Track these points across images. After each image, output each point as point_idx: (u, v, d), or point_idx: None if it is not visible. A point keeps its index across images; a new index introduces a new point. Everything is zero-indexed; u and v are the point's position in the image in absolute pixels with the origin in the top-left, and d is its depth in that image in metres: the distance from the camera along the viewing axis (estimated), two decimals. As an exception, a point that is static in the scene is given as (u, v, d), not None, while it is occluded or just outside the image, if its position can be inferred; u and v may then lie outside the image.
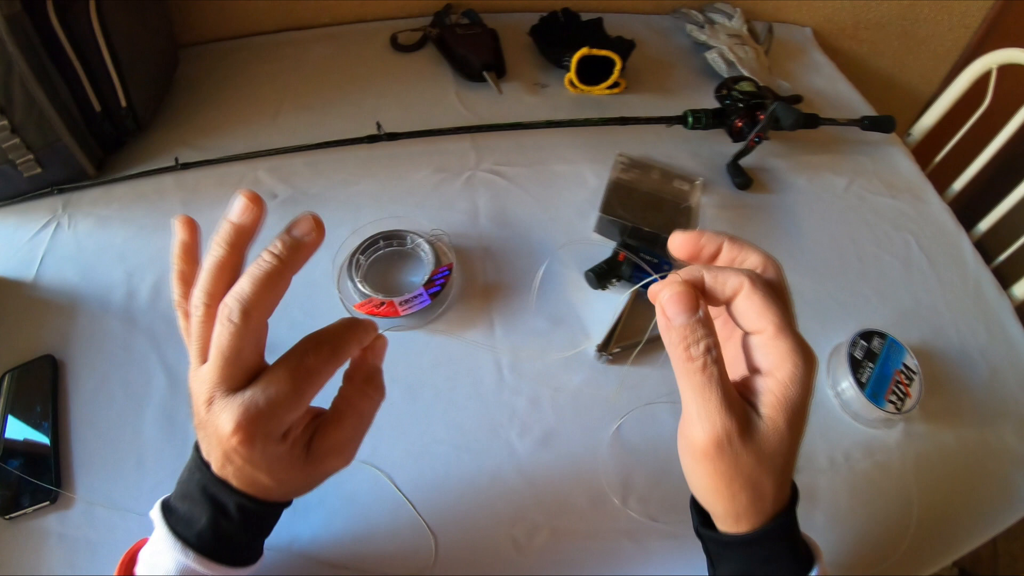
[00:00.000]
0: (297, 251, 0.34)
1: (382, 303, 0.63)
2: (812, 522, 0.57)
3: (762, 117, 0.78)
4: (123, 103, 0.74)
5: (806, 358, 0.32)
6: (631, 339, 0.64)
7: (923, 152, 1.09)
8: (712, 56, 0.92)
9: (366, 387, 0.39)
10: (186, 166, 0.75)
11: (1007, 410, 0.67)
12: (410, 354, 0.63)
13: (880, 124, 0.91)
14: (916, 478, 0.61)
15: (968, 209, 1.07)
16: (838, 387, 0.65)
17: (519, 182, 0.78)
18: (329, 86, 0.89)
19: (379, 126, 0.77)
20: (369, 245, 0.68)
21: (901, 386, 0.64)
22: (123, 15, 0.73)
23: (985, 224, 1.02)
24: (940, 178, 1.06)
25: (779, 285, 0.35)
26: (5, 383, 0.60)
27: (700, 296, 0.32)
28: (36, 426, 0.59)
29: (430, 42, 0.92)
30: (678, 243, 0.35)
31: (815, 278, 0.75)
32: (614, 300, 0.66)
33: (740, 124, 0.80)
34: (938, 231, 0.86)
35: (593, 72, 0.86)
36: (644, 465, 0.58)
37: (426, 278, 0.65)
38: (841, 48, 1.18)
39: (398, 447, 0.57)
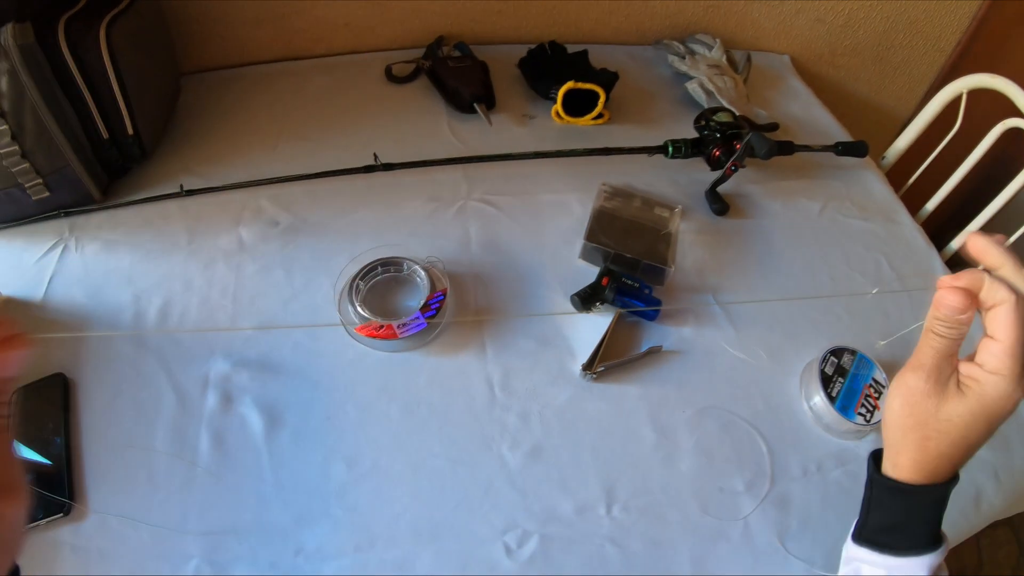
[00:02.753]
0: None
1: (381, 326, 0.70)
2: (787, 527, 0.64)
3: (738, 146, 0.86)
4: (130, 131, 0.81)
5: (1015, 389, 0.41)
6: (614, 358, 0.71)
7: (898, 174, 1.19)
8: (692, 86, 1.01)
9: None
10: (190, 193, 0.82)
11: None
12: (407, 374, 0.70)
13: (853, 149, 0.99)
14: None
15: (940, 229, 1.16)
16: (810, 401, 0.72)
17: (508, 211, 0.86)
18: (326, 116, 0.97)
19: (376, 157, 0.84)
20: (368, 271, 0.75)
21: (870, 399, 0.72)
22: (131, 46, 0.80)
23: (956, 243, 1.10)
24: (914, 199, 1.15)
25: None
26: (16, 400, 0.66)
27: (972, 299, 0.42)
28: (48, 441, 0.65)
29: (423, 74, 1.01)
30: (979, 246, 0.44)
31: (787, 302, 0.82)
32: (599, 322, 0.74)
33: (718, 153, 0.89)
34: (909, 251, 0.94)
35: (579, 104, 0.94)
36: (626, 476, 0.65)
37: (422, 302, 0.72)
38: (819, 74, 1.28)
39: (397, 460, 0.64)
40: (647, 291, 0.75)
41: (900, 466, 0.46)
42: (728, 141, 0.89)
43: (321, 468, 0.63)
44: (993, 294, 0.41)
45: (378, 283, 0.76)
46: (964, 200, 1.15)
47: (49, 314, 0.75)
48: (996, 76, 1.03)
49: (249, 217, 0.84)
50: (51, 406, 0.67)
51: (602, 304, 0.74)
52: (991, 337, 0.42)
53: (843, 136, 1.06)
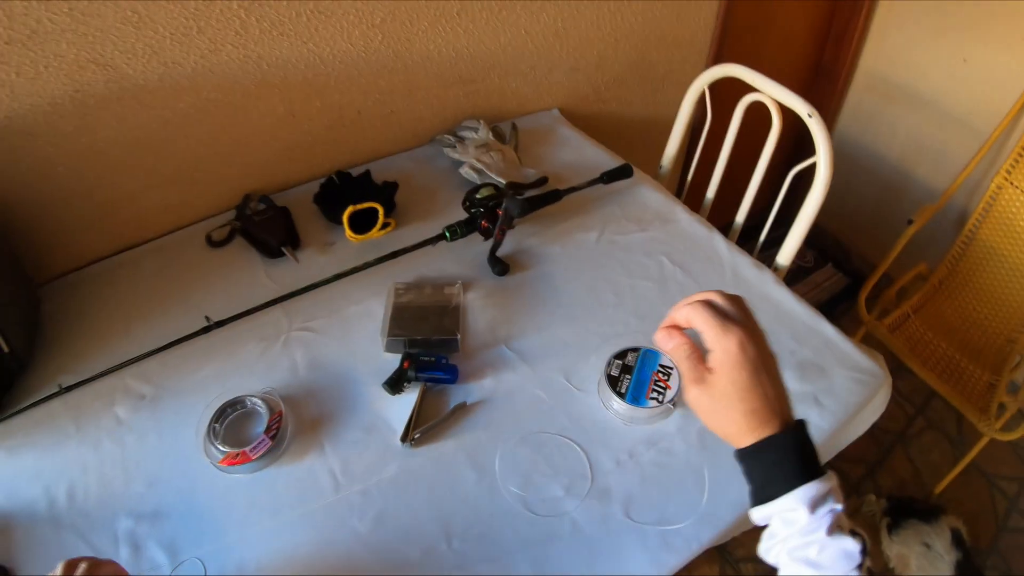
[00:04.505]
0: None
1: (237, 454, 0.93)
2: (610, 515, 0.87)
3: (501, 213, 1.13)
4: (5, 349, 1.04)
5: (727, 334, 0.59)
6: (427, 424, 0.95)
7: (678, 178, 1.48)
8: (465, 170, 1.28)
9: None
10: (68, 389, 1.04)
11: (784, 360, 0.86)
12: (268, 486, 0.92)
13: (618, 173, 1.26)
14: (701, 449, 0.93)
15: (725, 211, 1.45)
16: (607, 404, 0.96)
17: (324, 331, 1.09)
18: (162, 293, 1.20)
19: (208, 319, 1.08)
20: (220, 415, 0.98)
21: (660, 383, 0.96)
22: None
23: (740, 216, 1.38)
24: (697, 194, 1.43)
25: (719, 300, 0.63)
26: None
27: (674, 329, 0.64)
28: None
29: (237, 233, 1.26)
30: (660, 337, 0.65)
31: (577, 324, 1.07)
32: (409, 399, 0.97)
33: (486, 224, 1.15)
34: (690, 242, 1.19)
35: (367, 219, 1.20)
36: (459, 514, 0.87)
37: (265, 426, 0.95)
38: (592, 113, 1.57)
39: (276, 556, 0.85)
40: (444, 361, 1.00)
41: (741, 439, 0.61)
42: (492, 212, 1.15)
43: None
44: (681, 317, 0.64)
45: (231, 422, 0.98)
46: (739, 176, 1.44)
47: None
48: (728, 64, 1.31)
49: (121, 397, 1.05)
50: None
51: (408, 383, 0.98)
52: (700, 333, 0.62)
53: (615, 164, 1.33)
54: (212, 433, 0.96)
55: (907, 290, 2.05)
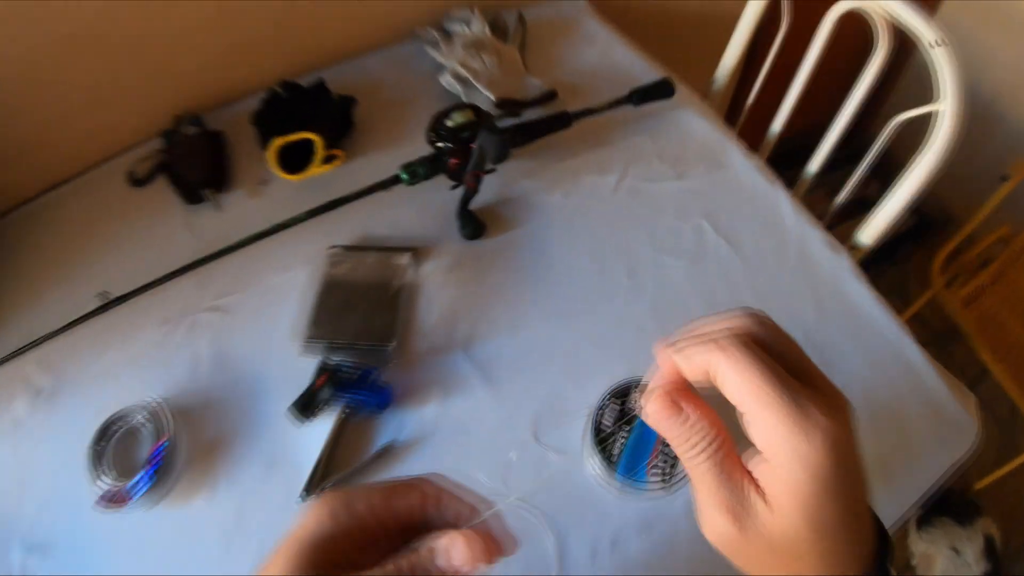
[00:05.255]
0: None
1: (114, 495, 0.72)
2: None
3: (473, 151, 0.79)
4: None
5: (810, 432, 0.30)
6: (342, 470, 0.69)
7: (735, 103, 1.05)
8: (446, 79, 0.93)
9: None
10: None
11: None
12: (150, 532, 0.72)
13: (654, 91, 0.88)
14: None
15: (793, 156, 1.02)
16: (589, 464, 0.65)
17: (237, 313, 0.83)
18: (76, 251, 0.97)
19: (105, 294, 0.85)
20: (103, 433, 0.76)
21: (670, 451, 0.61)
22: None
23: (814, 165, 0.97)
24: (757, 128, 1.01)
25: (766, 338, 0.34)
26: None
27: (681, 394, 0.35)
28: None
29: (159, 169, 0.99)
30: (657, 410, 0.35)
31: (569, 322, 0.76)
32: (324, 428, 0.71)
33: (455, 163, 0.81)
34: (744, 199, 0.83)
35: (304, 151, 0.89)
36: None
37: (147, 457, 0.73)
38: (628, 4, 1.10)
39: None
40: (372, 376, 0.72)
41: None
42: (465, 146, 0.81)
43: None
44: (695, 366, 0.33)
45: (119, 438, 0.77)
46: (817, 113, 1.00)
47: None
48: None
49: (20, 389, 0.87)
50: None
51: (322, 407, 0.72)
52: (739, 410, 0.33)
53: (652, 76, 0.92)
54: (95, 457, 0.75)
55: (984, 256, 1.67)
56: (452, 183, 0.83)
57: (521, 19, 1.00)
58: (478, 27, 0.98)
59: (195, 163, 0.94)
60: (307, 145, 0.88)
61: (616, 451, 0.63)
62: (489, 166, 0.79)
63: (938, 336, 1.77)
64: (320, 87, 0.97)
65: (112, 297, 0.85)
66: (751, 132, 0.98)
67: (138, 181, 1.00)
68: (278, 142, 0.86)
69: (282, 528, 0.66)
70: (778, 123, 1.01)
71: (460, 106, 0.84)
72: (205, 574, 0.69)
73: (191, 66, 1.00)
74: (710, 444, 0.33)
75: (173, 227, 0.95)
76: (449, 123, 0.82)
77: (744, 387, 0.31)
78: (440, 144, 0.82)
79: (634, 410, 0.60)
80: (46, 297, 0.96)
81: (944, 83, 0.79)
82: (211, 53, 0.99)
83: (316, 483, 0.69)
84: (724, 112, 1.04)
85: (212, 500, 0.72)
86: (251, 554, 0.68)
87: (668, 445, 0.59)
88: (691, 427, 0.34)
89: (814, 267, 0.79)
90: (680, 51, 0.99)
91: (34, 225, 1.05)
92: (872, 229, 0.90)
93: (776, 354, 0.33)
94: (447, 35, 1.00)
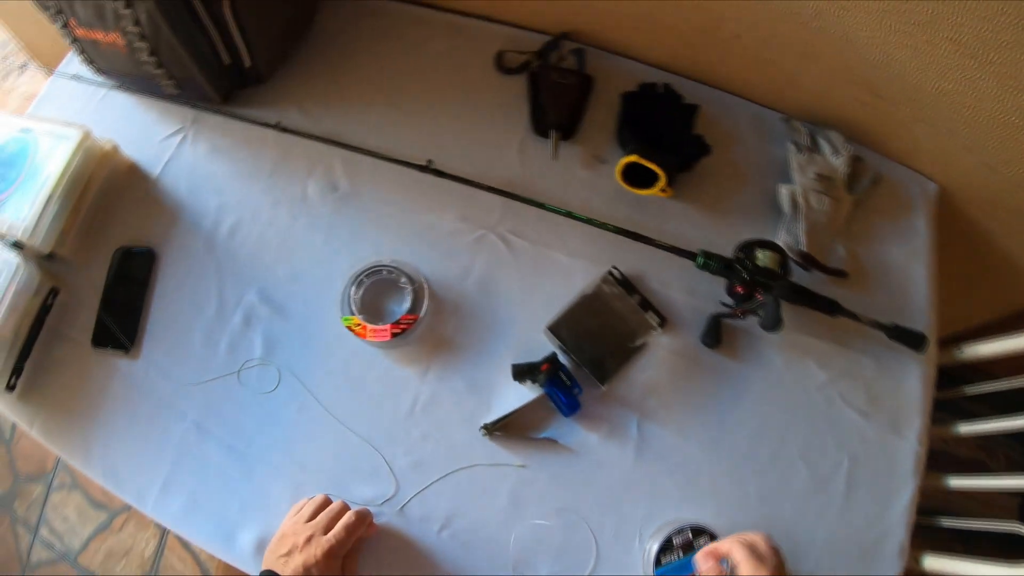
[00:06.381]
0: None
1: (359, 323, 0.93)
2: None
3: (759, 298, 0.91)
4: (247, 63, 1.03)
5: (755, 572, 0.69)
6: (515, 431, 0.91)
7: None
8: (783, 192, 1.00)
9: None
10: (284, 130, 1.05)
11: None
12: (366, 364, 0.96)
13: (908, 339, 0.94)
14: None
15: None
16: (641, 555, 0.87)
17: (518, 256, 1.00)
18: (426, 91, 1.11)
19: (430, 162, 0.99)
20: (372, 271, 0.95)
21: None
22: None
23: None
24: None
25: (757, 544, 0.73)
26: (116, 257, 1.02)
27: (714, 555, 0.76)
28: (133, 296, 1.00)
29: (526, 73, 1.08)
30: (700, 556, 0.78)
31: (713, 454, 0.92)
32: (523, 394, 0.92)
33: (739, 290, 0.93)
34: (884, 469, 0.93)
35: (645, 171, 0.98)
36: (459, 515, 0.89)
37: (397, 318, 0.93)
38: (965, 215, 1.11)
39: (326, 422, 0.93)
40: (576, 391, 0.91)
41: None
42: (754, 286, 0.92)
43: (283, 403, 0.94)
44: (724, 543, 0.75)
45: (377, 282, 0.96)
46: None
47: (158, 192, 1.06)
48: None
49: (319, 173, 1.06)
50: (139, 272, 1.01)
51: (533, 383, 0.92)
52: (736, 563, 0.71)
53: (922, 312, 1.00)
54: (357, 283, 0.96)
55: None
56: (727, 298, 0.96)
57: (875, 180, 1.04)
58: (842, 164, 1.02)
59: (559, 101, 1.04)
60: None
61: (665, 560, 0.84)
62: (760, 318, 0.91)
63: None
64: (691, 112, 1.05)
65: (432, 167, 1.00)
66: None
67: (502, 68, 1.09)
68: (630, 160, 0.96)
69: (451, 434, 0.90)
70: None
71: (773, 248, 0.92)
72: (384, 416, 0.94)
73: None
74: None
75: (510, 142, 1.07)
76: (758, 257, 0.92)
77: (737, 553, 0.71)
78: (739, 265, 0.93)
79: (695, 545, 0.83)
80: (371, 112, 1.10)
81: None
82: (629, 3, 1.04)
83: (494, 427, 0.91)
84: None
85: (421, 378, 0.95)
86: (418, 431, 0.93)
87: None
88: (711, 565, 0.74)
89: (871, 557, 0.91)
90: (966, 292, 1.04)
91: (393, 31, 1.15)
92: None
93: (763, 552, 0.71)
94: (814, 144, 1.05)
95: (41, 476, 1.87)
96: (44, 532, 1.80)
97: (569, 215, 0.97)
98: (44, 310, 0.99)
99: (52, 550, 1.78)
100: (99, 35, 0.97)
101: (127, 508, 1.77)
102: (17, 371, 0.96)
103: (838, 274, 0.99)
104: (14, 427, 1.95)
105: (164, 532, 1.76)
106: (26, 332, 0.97)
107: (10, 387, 0.95)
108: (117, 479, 0.93)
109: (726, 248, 0.96)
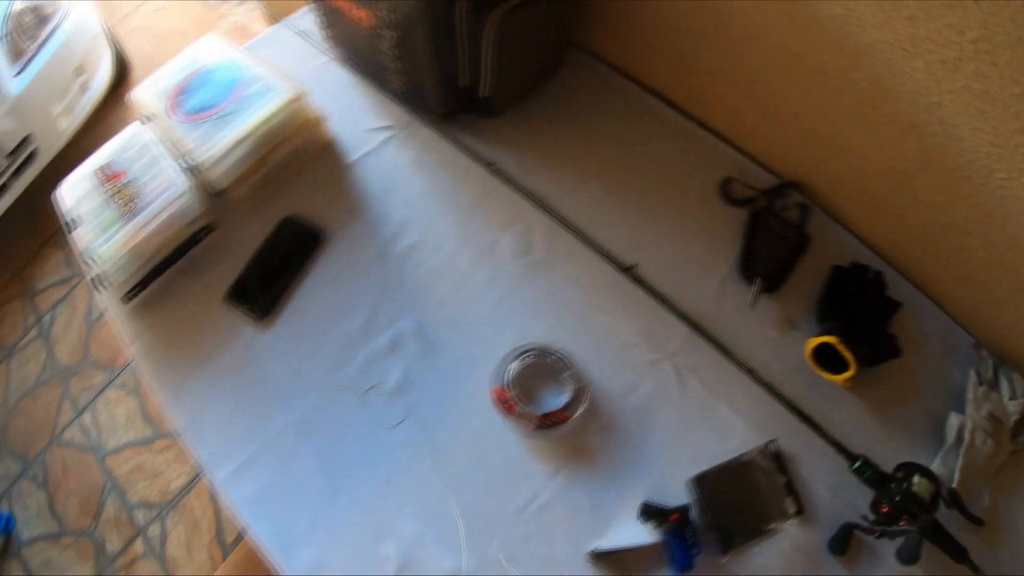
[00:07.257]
0: None
1: (508, 402, 0.91)
2: None
3: (903, 525, 0.90)
4: (483, 92, 1.00)
5: None
6: (620, 568, 0.90)
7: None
8: (951, 422, 0.98)
9: None
10: (496, 172, 1.02)
11: None
12: (491, 439, 0.93)
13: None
14: None
15: None
16: None
17: (686, 393, 0.96)
18: (644, 185, 1.07)
19: (634, 267, 0.97)
20: (541, 352, 0.94)
21: None
22: (521, 27, 0.94)
23: None
24: None
25: None
26: (281, 223, 1.00)
27: None
28: (284, 268, 0.98)
29: (747, 210, 1.05)
30: None
31: None
32: (642, 535, 0.90)
33: (884, 509, 0.92)
34: None
35: (836, 356, 0.96)
36: None
37: (550, 410, 0.91)
38: None
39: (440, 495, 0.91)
40: (695, 551, 0.90)
41: None
42: (900, 511, 0.91)
43: (398, 445, 0.91)
44: None
45: (539, 365, 0.94)
46: None
47: (347, 179, 1.04)
48: None
49: (517, 230, 1.02)
50: (300, 248, 0.99)
51: (656, 527, 0.91)
52: None
53: None
54: (514, 356, 0.93)
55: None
56: (868, 510, 0.94)
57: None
58: (1015, 408, 1.00)
59: (773, 252, 1.02)
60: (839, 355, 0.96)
61: None
62: (897, 546, 0.90)
63: None
64: (893, 308, 1.03)
65: (634, 273, 0.97)
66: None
67: (726, 196, 1.06)
68: (828, 340, 0.94)
69: (560, 549, 0.87)
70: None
71: (932, 478, 0.91)
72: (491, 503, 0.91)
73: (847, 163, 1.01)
74: None
75: (713, 272, 1.03)
76: (914, 482, 0.90)
77: None
78: (893, 484, 0.92)
79: None
80: (585, 188, 1.06)
81: None
82: (858, 173, 1.02)
83: (603, 556, 0.89)
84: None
85: (547, 478, 0.92)
86: (521, 532, 0.90)
87: None
88: None
89: None
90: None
91: (624, 109, 1.12)
92: None
93: None
94: (995, 380, 1.03)
95: (107, 367, 1.87)
96: (87, 418, 1.81)
97: (750, 373, 0.96)
98: (192, 241, 0.97)
99: (87, 437, 1.79)
100: (349, 5, 0.94)
101: (174, 436, 1.76)
102: (142, 285, 0.94)
103: (976, 521, 0.98)
104: (102, 314, 1.94)
105: (197, 475, 1.74)
106: (166, 254, 0.95)
107: (129, 297, 0.94)
108: (199, 434, 0.91)
109: (881, 458, 0.94)
